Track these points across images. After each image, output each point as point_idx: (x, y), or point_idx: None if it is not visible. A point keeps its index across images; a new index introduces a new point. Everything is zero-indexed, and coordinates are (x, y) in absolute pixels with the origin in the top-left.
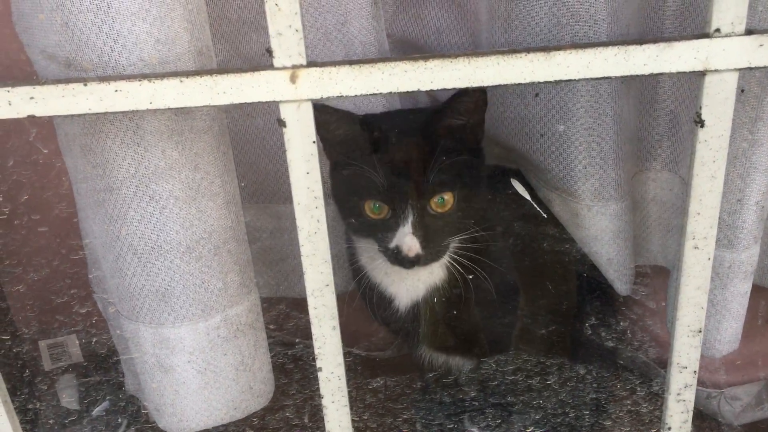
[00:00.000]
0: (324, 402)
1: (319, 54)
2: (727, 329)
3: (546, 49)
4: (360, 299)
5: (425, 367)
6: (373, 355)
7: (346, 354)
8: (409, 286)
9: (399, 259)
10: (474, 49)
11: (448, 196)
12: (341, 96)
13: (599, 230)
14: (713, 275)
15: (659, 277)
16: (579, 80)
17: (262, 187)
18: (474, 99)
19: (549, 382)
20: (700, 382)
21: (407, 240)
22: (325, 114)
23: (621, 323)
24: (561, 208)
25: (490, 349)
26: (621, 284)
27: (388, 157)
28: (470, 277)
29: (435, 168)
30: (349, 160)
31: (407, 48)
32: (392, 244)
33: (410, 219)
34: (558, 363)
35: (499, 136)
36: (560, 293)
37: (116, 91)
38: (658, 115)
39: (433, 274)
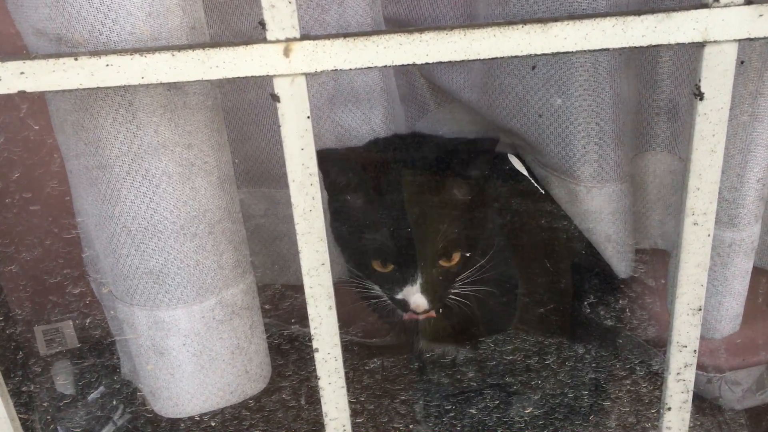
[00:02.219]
0: (321, 383)
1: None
2: (728, 310)
3: (543, 20)
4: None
5: (423, 355)
6: (371, 342)
7: (343, 337)
8: None
9: (405, 309)
10: None
11: (456, 255)
12: (336, 69)
13: (598, 211)
14: (714, 255)
15: (658, 260)
16: (577, 53)
17: (255, 169)
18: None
19: (547, 362)
20: (701, 367)
21: (416, 298)
22: (326, 163)
23: (619, 302)
24: (559, 189)
25: (488, 335)
26: (620, 266)
27: (395, 223)
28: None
29: (443, 235)
30: (354, 217)
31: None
32: (399, 296)
33: (419, 280)
34: (556, 343)
35: (496, 118)
36: (558, 272)
37: (107, 65)
38: (657, 96)
39: None
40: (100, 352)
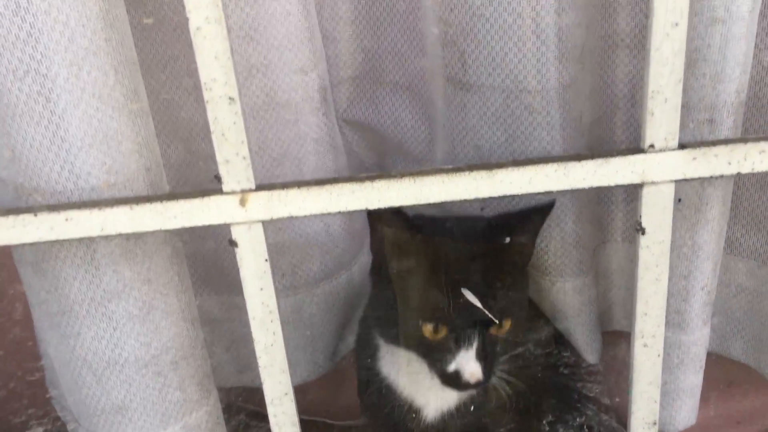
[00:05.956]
0: None
1: (270, 150)
2: (682, 406)
3: (488, 166)
4: (364, 411)
5: None
6: (341, 425)
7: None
8: (442, 394)
9: (455, 382)
10: (430, 134)
11: (507, 322)
12: (291, 216)
13: (563, 304)
14: (665, 355)
15: (624, 342)
16: (523, 196)
17: (214, 276)
18: (540, 219)
19: None
20: None
21: (471, 366)
22: (378, 221)
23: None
24: None
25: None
26: (588, 354)
27: (454, 281)
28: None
29: (499, 294)
30: (409, 277)
31: (364, 130)
32: (451, 368)
33: (475, 344)
34: None
35: (464, 213)
36: (521, 393)
37: (66, 219)
38: (616, 188)
39: None
40: None
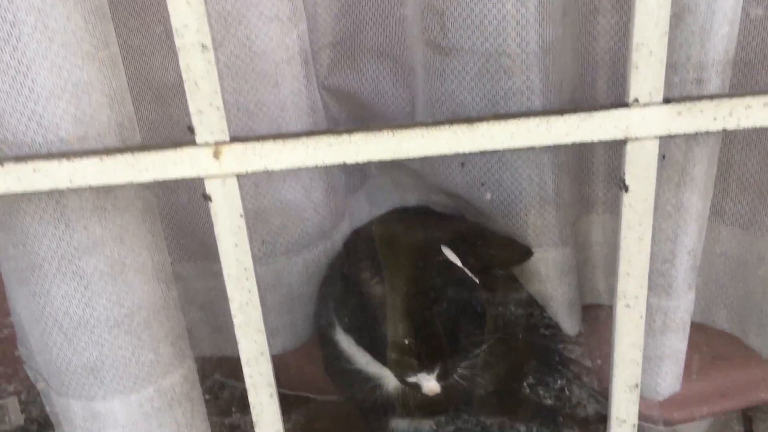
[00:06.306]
0: None
1: (251, 114)
2: (667, 373)
3: (469, 120)
4: (326, 375)
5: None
6: (321, 399)
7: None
8: None
9: (413, 387)
10: (410, 100)
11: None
12: (267, 170)
13: (542, 275)
14: (650, 321)
15: (603, 316)
16: (504, 151)
17: (191, 244)
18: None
19: None
20: (649, 419)
21: (431, 385)
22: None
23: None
24: None
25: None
26: (568, 325)
27: (420, 319)
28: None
29: (466, 333)
30: (373, 305)
31: (344, 98)
32: (411, 380)
33: (437, 371)
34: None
35: (441, 184)
36: (500, 356)
37: (34, 171)
38: (595, 159)
39: None
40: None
